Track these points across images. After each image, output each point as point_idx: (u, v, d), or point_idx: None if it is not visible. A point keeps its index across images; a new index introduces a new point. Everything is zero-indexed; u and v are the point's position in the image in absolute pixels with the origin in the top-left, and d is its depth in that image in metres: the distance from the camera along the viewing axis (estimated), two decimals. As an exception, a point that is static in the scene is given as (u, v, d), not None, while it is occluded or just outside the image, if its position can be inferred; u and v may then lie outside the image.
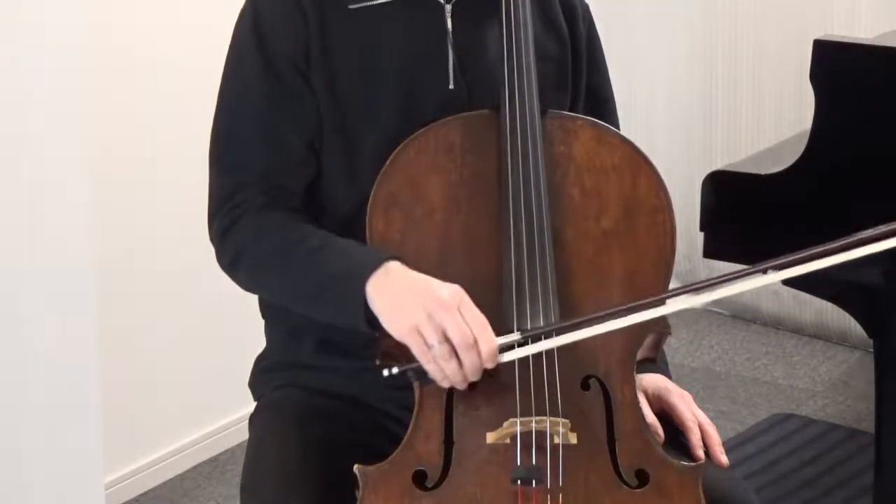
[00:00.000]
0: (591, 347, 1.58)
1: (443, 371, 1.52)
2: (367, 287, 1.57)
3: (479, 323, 1.52)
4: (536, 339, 1.55)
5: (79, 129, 2.47)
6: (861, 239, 1.54)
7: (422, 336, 1.52)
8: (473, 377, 1.53)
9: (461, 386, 1.54)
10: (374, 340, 1.59)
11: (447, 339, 1.51)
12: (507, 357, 1.53)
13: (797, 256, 1.54)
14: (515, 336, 1.54)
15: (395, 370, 1.54)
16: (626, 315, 1.54)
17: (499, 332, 1.55)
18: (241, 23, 1.77)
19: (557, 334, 1.55)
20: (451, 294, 1.53)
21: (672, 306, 1.57)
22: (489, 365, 1.52)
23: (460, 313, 1.52)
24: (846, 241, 1.53)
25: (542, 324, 1.56)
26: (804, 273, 1.54)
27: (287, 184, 1.72)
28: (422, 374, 1.54)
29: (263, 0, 1.74)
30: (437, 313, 1.52)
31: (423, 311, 1.52)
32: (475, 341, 1.51)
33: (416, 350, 1.53)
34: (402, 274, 1.57)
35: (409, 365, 1.54)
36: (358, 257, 1.61)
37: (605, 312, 1.55)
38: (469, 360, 1.51)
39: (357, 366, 1.72)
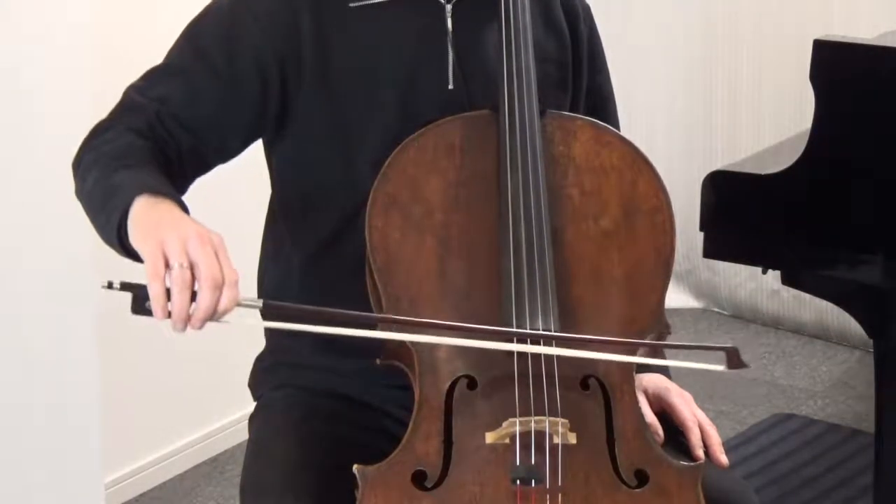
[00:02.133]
0: (591, 347, 1.58)
1: (164, 298, 1.41)
2: (135, 201, 1.51)
3: (231, 272, 1.44)
4: (274, 318, 1.54)
5: (79, 129, 2.46)
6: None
7: (165, 254, 1.43)
8: (195, 324, 1.42)
9: (177, 328, 1.42)
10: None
11: (191, 270, 1.42)
12: (235, 318, 1.44)
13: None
14: (258, 302, 1.49)
15: (116, 285, 1.44)
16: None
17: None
18: None
19: (299, 321, 1.50)
20: (217, 237, 1.46)
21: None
22: (219, 312, 1.42)
23: (216, 256, 1.44)
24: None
25: (540, 324, 1.56)
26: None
27: (175, 132, 1.68)
28: (142, 298, 1.43)
29: None
30: (193, 242, 1.43)
31: (179, 235, 1.43)
32: (223, 283, 1.43)
33: (151, 266, 1.42)
34: (175, 209, 1.52)
35: (133, 282, 1.44)
36: (147, 179, 1.56)
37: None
38: (207, 299, 1.41)
39: (357, 366, 1.72)
